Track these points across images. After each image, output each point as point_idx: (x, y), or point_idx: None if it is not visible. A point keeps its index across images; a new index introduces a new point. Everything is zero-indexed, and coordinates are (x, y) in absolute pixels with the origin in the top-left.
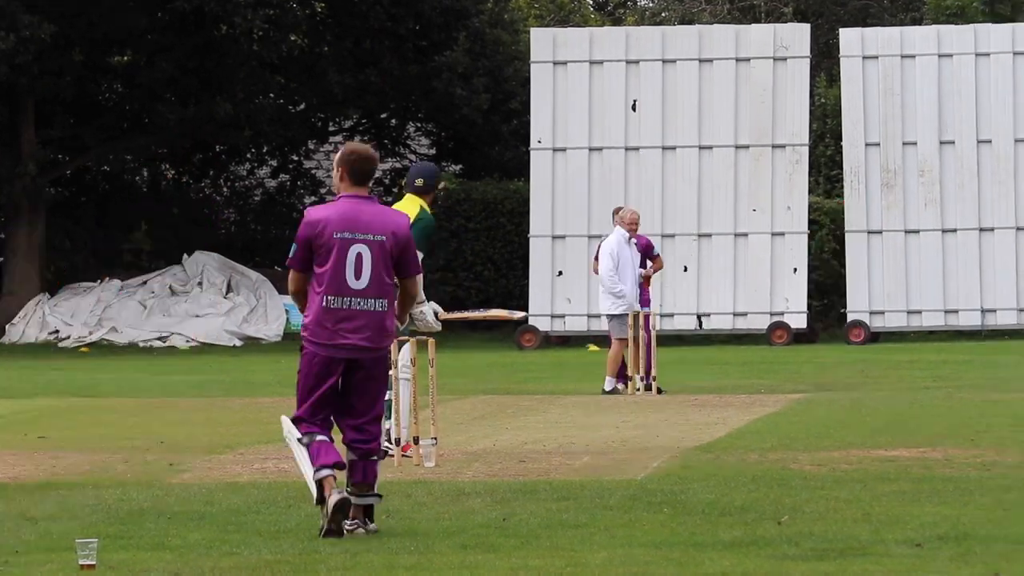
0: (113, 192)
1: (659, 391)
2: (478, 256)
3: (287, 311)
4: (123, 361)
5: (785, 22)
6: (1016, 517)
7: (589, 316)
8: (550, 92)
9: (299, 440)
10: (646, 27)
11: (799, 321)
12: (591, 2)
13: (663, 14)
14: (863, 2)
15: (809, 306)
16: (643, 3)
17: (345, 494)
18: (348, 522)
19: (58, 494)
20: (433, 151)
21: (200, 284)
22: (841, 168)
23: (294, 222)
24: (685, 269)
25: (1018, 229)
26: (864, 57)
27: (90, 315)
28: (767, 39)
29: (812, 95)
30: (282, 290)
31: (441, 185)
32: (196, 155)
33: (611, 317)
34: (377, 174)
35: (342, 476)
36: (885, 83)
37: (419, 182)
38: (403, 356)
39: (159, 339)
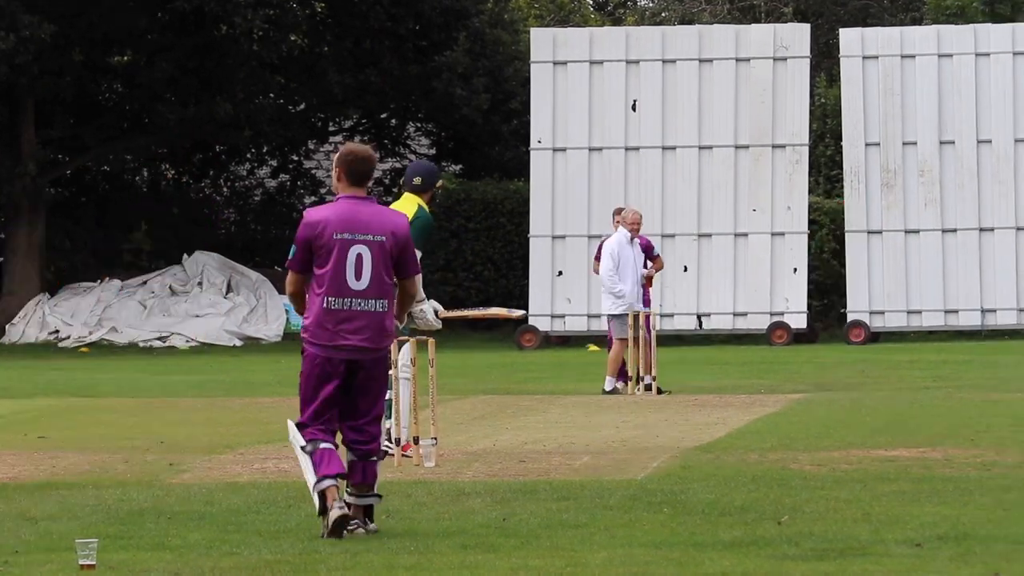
0: (113, 192)
1: (659, 391)
2: (478, 256)
3: (287, 311)
4: (123, 361)
5: (785, 22)
6: (1016, 517)
7: (589, 316)
8: (550, 92)
9: (303, 448)
10: (646, 27)
11: (799, 321)
12: (591, 2)
13: (663, 14)
14: (863, 2)
15: (809, 306)
16: (643, 3)
17: (345, 510)
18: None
19: (58, 494)
20: (433, 151)
21: (200, 284)
22: (841, 168)
23: (294, 222)
24: (685, 269)
25: (1018, 229)
26: (864, 57)
27: (90, 315)
28: (767, 39)
29: (812, 95)
30: (282, 290)
31: (439, 184)
32: (196, 155)
33: (611, 317)
34: (377, 174)
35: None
36: (885, 83)
37: (417, 181)
38: (403, 356)
39: (159, 339)
